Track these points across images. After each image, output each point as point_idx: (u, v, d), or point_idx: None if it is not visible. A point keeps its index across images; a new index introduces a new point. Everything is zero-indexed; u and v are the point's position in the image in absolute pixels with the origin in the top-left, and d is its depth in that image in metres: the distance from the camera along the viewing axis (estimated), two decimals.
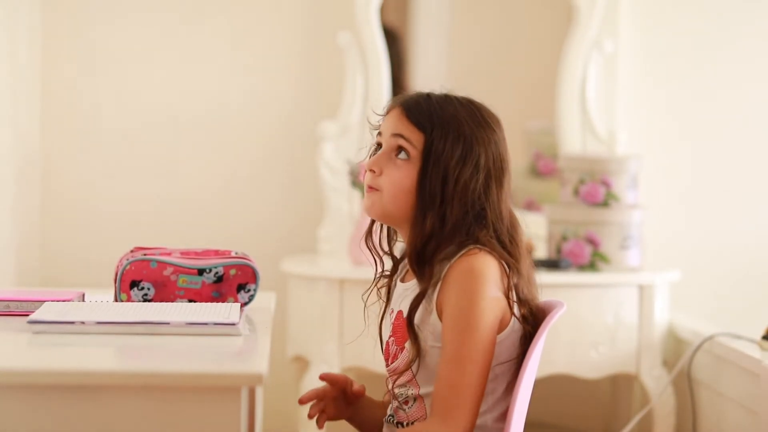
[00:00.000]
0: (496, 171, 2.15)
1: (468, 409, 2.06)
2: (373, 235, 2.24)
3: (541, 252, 3.80)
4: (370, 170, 2.16)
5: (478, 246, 2.11)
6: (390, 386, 2.19)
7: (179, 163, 4.03)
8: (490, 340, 2.08)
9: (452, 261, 2.10)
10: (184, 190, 4.03)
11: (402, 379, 2.15)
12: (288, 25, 4.03)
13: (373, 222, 2.24)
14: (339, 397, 2.29)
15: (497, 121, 2.19)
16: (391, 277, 2.25)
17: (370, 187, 2.17)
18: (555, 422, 4.09)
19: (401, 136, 2.14)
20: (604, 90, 3.98)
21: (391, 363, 2.18)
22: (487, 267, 2.09)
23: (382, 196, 2.15)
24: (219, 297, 2.43)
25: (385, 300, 2.25)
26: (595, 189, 3.68)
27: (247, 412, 1.92)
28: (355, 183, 3.71)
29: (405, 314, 2.14)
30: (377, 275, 2.26)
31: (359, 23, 3.88)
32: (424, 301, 2.12)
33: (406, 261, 2.20)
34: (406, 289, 2.18)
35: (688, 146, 4.11)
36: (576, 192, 3.70)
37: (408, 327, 2.12)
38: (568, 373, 3.63)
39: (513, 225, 2.16)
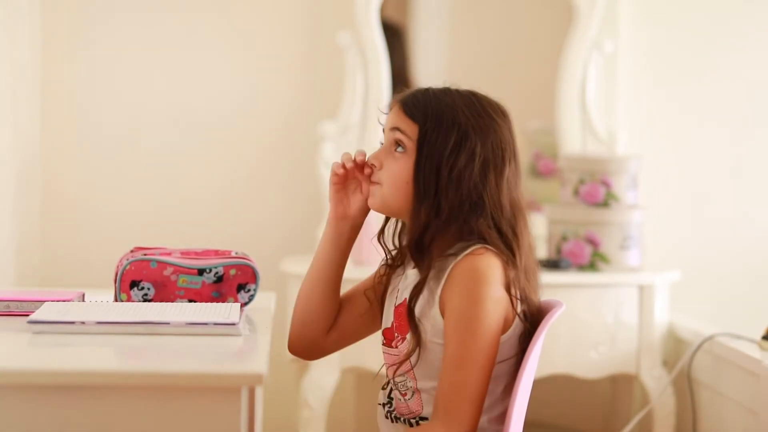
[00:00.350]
0: (495, 160, 2.14)
1: (470, 410, 2.06)
2: (386, 232, 2.25)
3: (541, 252, 3.80)
4: (371, 165, 2.18)
5: (486, 246, 2.11)
6: (391, 375, 2.19)
7: (179, 163, 4.03)
8: (493, 341, 2.08)
9: (458, 258, 2.10)
10: (184, 190, 4.03)
11: (401, 369, 2.16)
12: (288, 25, 4.02)
13: (387, 219, 2.25)
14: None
15: (499, 111, 2.18)
16: (393, 266, 2.25)
17: (372, 182, 2.18)
18: (555, 422, 4.09)
19: (398, 129, 2.16)
20: (604, 90, 3.98)
21: (393, 348, 2.18)
22: (491, 268, 2.09)
23: (382, 189, 2.17)
24: (219, 297, 2.43)
25: (384, 284, 2.25)
26: (595, 189, 3.68)
27: (247, 412, 1.92)
28: None
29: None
30: (381, 266, 2.27)
31: (359, 23, 3.88)
32: (426, 293, 2.12)
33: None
34: (409, 277, 2.19)
35: (688, 146, 4.11)
36: (576, 192, 3.70)
37: (408, 315, 2.13)
38: (568, 373, 3.63)
39: (515, 215, 2.15)
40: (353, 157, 2.22)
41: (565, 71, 3.96)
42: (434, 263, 2.13)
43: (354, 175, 2.24)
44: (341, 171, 2.23)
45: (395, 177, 2.16)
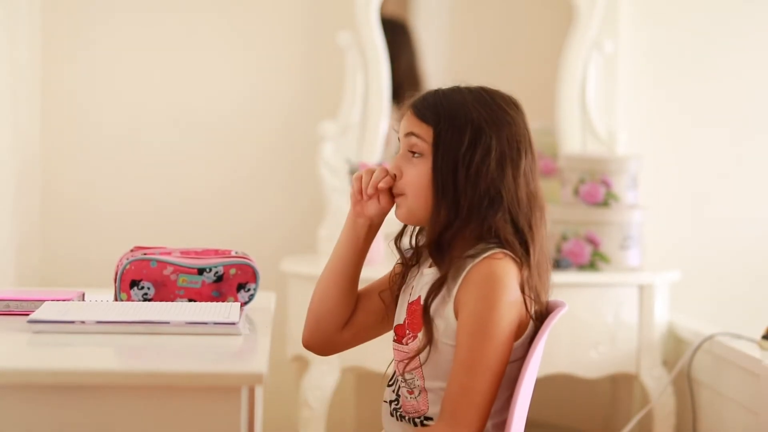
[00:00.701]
0: (512, 153, 2.13)
1: (477, 414, 2.05)
2: (403, 237, 2.24)
3: None
4: (393, 175, 2.17)
5: (504, 251, 2.10)
6: (401, 370, 2.19)
7: (179, 163, 4.03)
8: (505, 346, 2.07)
9: (476, 260, 2.10)
10: (184, 190, 4.03)
11: (411, 365, 2.15)
12: (288, 25, 4.02)
13: (405, 226, 2.24)
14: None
15: (512, 104, 2.17)
16: (408, 265, 2.24)
17: (396, 193, 2.18)
18: (555, 422, 4.09)
19: (413, 134, 2.15)
20: (604, 90, 3.98)
21: (403, 345, 2.18)
22: (508, 273, 2.08)
23: (407, 199, 2.16)
24: (219, 296, 2.43)
25: (399, 282, 2.24)
26: (595, 189, 3.68)
27: (247, 412, 1.92)
28: None
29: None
30: (396, 264, 2.26)
31: (359, 23, 3.88)
32: (442, 291, 2.12)
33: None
34: (425, 276, 2.18)
35: (688, 146, 4.11)
36: (576, 192, 3.70)
37: (423, 312, 2.12)
38: (568, 373, 3.63)
39: (531, 208, 2.14)
40: (377, 184, 2.19)
41: (565, 71, 3.96)
42: (454, 262, 2.12)
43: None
44: (358, 198, 2.21)
45: (416, 183, 2.14)
